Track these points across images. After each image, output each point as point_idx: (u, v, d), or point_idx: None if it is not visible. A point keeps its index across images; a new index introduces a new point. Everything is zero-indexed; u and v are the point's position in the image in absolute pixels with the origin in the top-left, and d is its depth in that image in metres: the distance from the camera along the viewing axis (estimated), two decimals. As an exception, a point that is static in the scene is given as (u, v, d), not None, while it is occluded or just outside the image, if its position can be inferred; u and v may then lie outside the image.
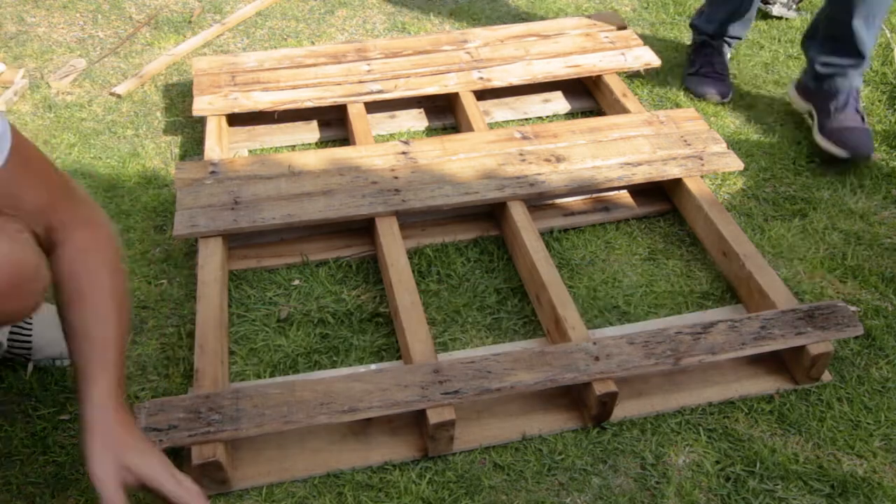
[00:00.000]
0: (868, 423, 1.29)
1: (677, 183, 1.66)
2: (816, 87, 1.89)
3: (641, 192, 1.73)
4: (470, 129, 1.80)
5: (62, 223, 1.03)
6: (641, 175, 1.63)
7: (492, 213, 1.65)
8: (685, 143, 1.72)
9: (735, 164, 1.67)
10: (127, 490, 0.96)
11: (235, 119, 1.86)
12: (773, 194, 1.76)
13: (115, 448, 0.97)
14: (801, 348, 1.30)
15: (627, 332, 1.39)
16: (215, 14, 2.43)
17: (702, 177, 1.66)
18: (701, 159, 1.67)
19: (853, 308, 1.44)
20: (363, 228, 1.58)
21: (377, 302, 1.48)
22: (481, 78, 1.91)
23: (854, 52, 1.81)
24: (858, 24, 1.76)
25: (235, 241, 1.55)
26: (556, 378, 1.23)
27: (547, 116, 2.01)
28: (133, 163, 1.82)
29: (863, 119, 1.84)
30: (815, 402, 1.32)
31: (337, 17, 2.42)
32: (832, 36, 1.83)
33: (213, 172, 1.59)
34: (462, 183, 1.60)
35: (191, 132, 1.92)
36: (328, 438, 1.24)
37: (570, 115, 2.02)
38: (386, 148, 1.69)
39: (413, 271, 1.47)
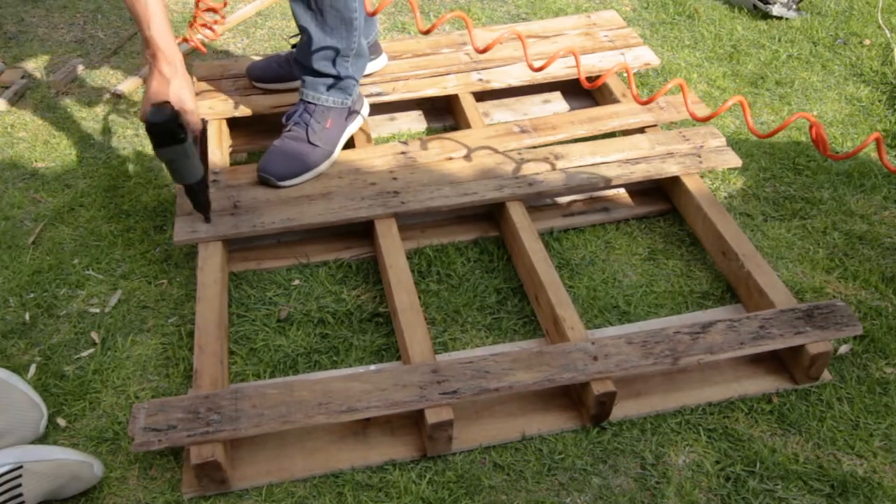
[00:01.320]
0: (868, 423, 1.29)
1: (676, 181, 1.66)
2: None
3: (641, 192, 1.73)
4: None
5: None
6: (640, 173, 1.63)
7: (491, 214, 1.64)
8: (683, 139, 1.72)
9: (734, 160, 1.67)
10: None
11: (236, 123, 1.86)
12: (773, 194, 1.76)
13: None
14: (801, 348, 1.30)
15: (626, 332, 1.39)
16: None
17: (701, 175, 1.66)
18: (699, 156, 1.67)
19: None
20: (363, 231, 1.58)
21: (377, 302, 1.48)
22: (481, 79, 1.91)
23: None
24: None
25: (235, 244, 1.56)
26: (555, 378, 1.23)
27: (547, 117, 2.00)
28: (133, 163, 1.82)
29: None
30: (815, 402, 1.32)
31: (337, 18, 2.42)
32: None
33: (214, 181, 1.59)
34: (461, 183, 1.60)
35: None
36: (327, 438, 1.24)
37: (570, 115, 2.01)
38: (385, 149, 1.69)
39: (413, 271, 1.47)
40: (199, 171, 1.39)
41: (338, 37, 1.55)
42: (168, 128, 1.29)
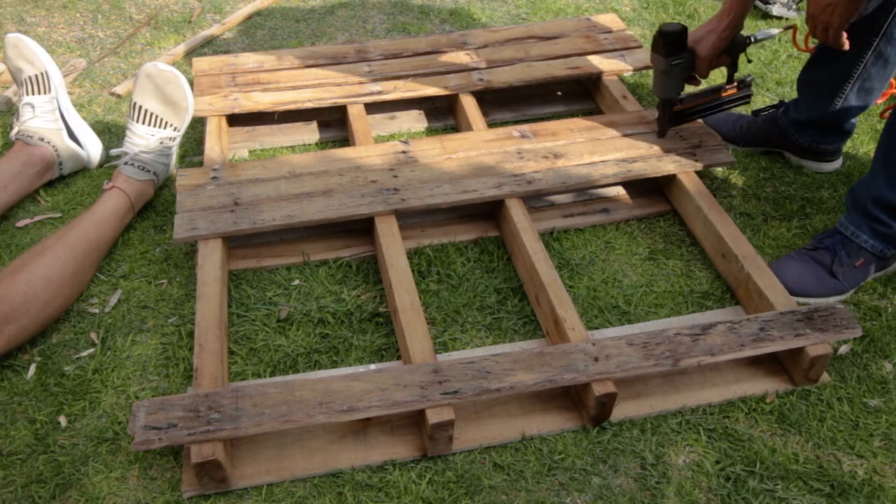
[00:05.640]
0: (868, 423, 1.29)
1: (673, 181, 1.66)
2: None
3: (641, 192, 1.73)
4: (470, 130, 1.79)
5: None
6: (637, 171, 1.63)
7: (491, 214, 1.65)
8: (681, 139, 1.72)
9: (727, 157, 1.68)
10: None
11: (235, 119, 1.86)
12: (773, 194, 1.76)
13: None
14: (800, 350, 1.30)
15: (626, 333, 1.39)
16: (215, 14, 2.43)
17: (700, 176, 1.66)
18: (694, 155, 1.68)
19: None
20: (363, 229, 1.58)
21: (377, 302, 1.48)
22: (481, 79, 1.91)
23: None
24: None
25: (235, 241, 1.56)
26: (556, 379, 1.23)
27: (547, 117, 2.01)
28: (133, 163, 1.82)
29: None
30: (815, 402, 1.32)
31: (337, 17, 2.42)
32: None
33: (214, 178, 1.59)
34: (461, 181, 1.60)
35: (190, 132, 1.92)
36: (327, 438, 1.24)
37: (570, 116, 2.01)
38: (385, 148, 1.69)
39: (413, 271, 1.47)
40: (673, 91, 1.64)
41: None
42: (669, 41, 1.53)
